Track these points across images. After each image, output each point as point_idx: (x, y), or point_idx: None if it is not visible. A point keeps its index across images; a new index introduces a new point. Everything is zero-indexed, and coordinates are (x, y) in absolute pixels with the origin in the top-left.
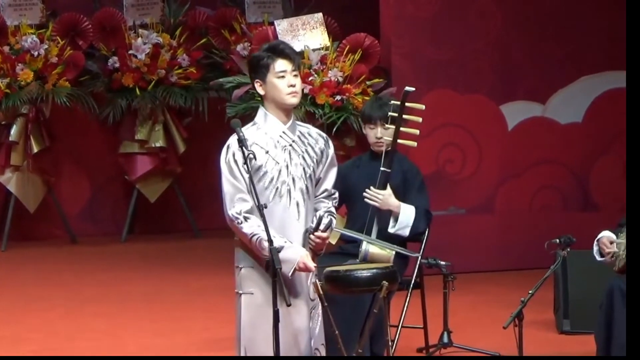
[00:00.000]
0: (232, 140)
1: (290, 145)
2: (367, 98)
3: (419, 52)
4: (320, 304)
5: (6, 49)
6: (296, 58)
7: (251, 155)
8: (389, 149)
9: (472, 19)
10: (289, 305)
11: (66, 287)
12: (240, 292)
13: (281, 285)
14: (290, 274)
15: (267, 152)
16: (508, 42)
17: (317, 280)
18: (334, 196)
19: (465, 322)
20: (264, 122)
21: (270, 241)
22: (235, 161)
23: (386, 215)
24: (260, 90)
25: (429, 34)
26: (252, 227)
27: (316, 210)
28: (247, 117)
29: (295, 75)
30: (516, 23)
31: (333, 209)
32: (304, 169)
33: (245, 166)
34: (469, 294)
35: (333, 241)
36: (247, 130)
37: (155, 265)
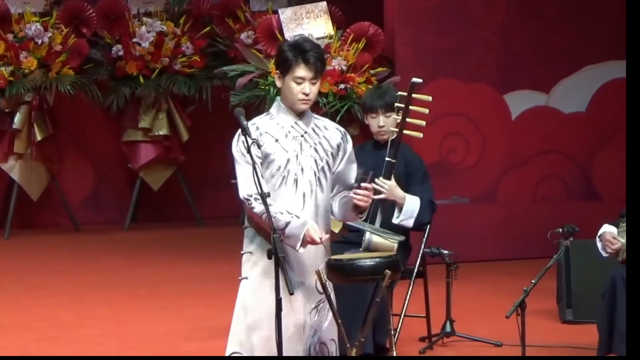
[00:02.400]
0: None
1: (302, 136)
2: (370, 87)
3: (423, 41)
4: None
5: (10, 36)
6: (320, 67)
7: (255, 143)
8: (394, 137)
9: (475, 8)
10: (291, 293)
11: (69, 275)
12: (240, 277)
13: (285, 273)
14: (298, 248)
15: (276, 141)
16: (512, 31)
17: (319, 269)
18: None
19: (468, 311)
20: (277, 113)
21: (273, 230)
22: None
23: (390, 205)
24: (277, 83)
25: (433, 23)
26: (262, 207)
27: (345, 198)
28: (251, 105)
29: (314, 83)
30: (520, 12)
31: None
32: (315, 160)
33: (249, 154)
34: (471, 283)
35: (336, 230)
36: (261, 120)
37: (158, 253)
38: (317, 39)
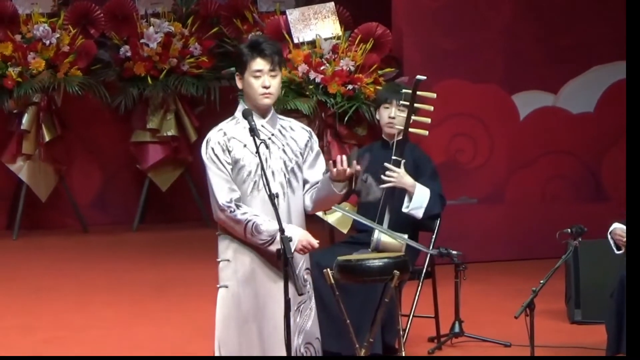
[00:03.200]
0: (211, 134)
1: (269, 138)
2: (378, 87)
3: (431, 41)
4: (312, 298)
5: (18, 37)
6: (275, 57)
7: (263, 143)
8: (400, 138)
9: (483, 8)
10: (300, 294)
11: (77, 276)
12: (218, 285)
13: (293, 274)
14: (288, 255)
15: (245, 146)
16: (520, 32)
17: (328, 270)
18: None
19: (477, 311)
20: (242, 117)
21: (282, 230)
22: (216, 155)
23: (398, 204)
24: (239, 85)
25: (441, 23)
26: (245, 213)
27: (313, 194)
28: None
29: (273, 76)
30: (528, 12)
31: None
32: (284, 162)
33: (257, 154)
34: (480, 283)
35: (344, 230)
36: (227, 125)
37: (166, 254)
38: (325, 39)
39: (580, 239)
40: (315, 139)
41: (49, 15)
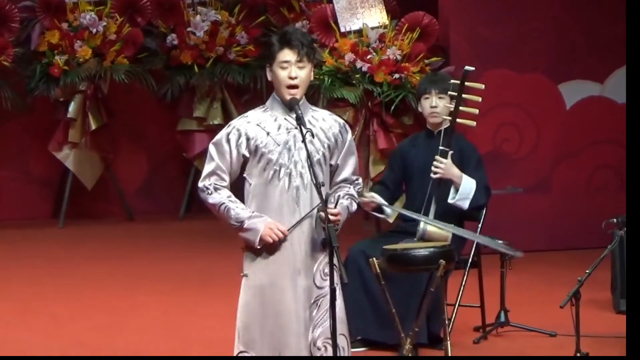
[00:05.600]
0: (235, 120)
1: (296, 128)
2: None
3: (477, 30)
4: (329, 294)
5: (65, 25)
6: (304, 49)
7: (309, 132)
8: (448, 126)
9: None
10: (346, 283)
11: (123, 264)
12: (242, 274)
13: (339, 263)
14: (257, 243)
15: (268, 134)
16: (566, 21)
17: (374, 259)
18: (356, 182)
19: (522, 301)
20: (271, 106)
21: (327, 219)
22: (228, 141)
23: (444, 194)
24: (268, 76)
25: (487, 12)
26: (221, 197)
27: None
28: (305, 95)
29: (301, 67)
30: (573, 1)
31: (354, 193)
32: (309, 153)
33: (303, 142)
34: (526, 273)
35: (391, 220)
36: (255, 112)
37: (212, 243)
38: (372, 28)
39: (626, 229)
40: (347, 130)
41: (96, 3)
